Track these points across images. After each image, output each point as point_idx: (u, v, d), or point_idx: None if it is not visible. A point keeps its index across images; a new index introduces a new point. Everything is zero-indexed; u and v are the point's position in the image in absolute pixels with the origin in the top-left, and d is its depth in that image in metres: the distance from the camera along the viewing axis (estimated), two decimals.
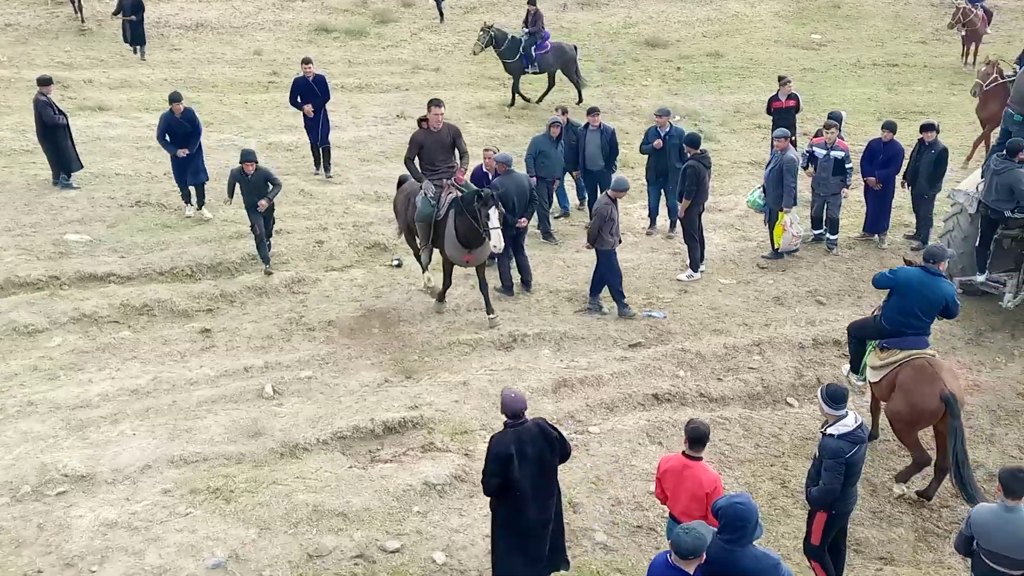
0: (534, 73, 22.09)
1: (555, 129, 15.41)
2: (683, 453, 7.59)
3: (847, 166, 14.84)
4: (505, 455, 7.57)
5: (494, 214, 12.05)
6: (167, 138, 15.22)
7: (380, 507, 9.36)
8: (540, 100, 22.38)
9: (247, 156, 13.77)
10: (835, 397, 7.94)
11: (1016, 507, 7.14)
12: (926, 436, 10.08)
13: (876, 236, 15.50)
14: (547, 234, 15.60)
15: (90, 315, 12.79)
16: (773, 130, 16.36)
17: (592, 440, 10.57)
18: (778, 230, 14.78)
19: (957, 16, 25.37)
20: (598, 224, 12.83)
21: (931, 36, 30.03)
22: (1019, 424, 11.29)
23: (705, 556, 6.08)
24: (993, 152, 13.36)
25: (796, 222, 14.80)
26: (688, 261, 14.52)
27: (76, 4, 26.13)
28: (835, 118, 15.56)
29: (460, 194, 12.47)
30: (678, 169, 14.95)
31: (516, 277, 13.80)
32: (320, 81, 17.42)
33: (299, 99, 17.27)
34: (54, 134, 16.04)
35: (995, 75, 18.17)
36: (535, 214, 14.70)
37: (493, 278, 13.52)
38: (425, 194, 12.63)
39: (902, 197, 15.52)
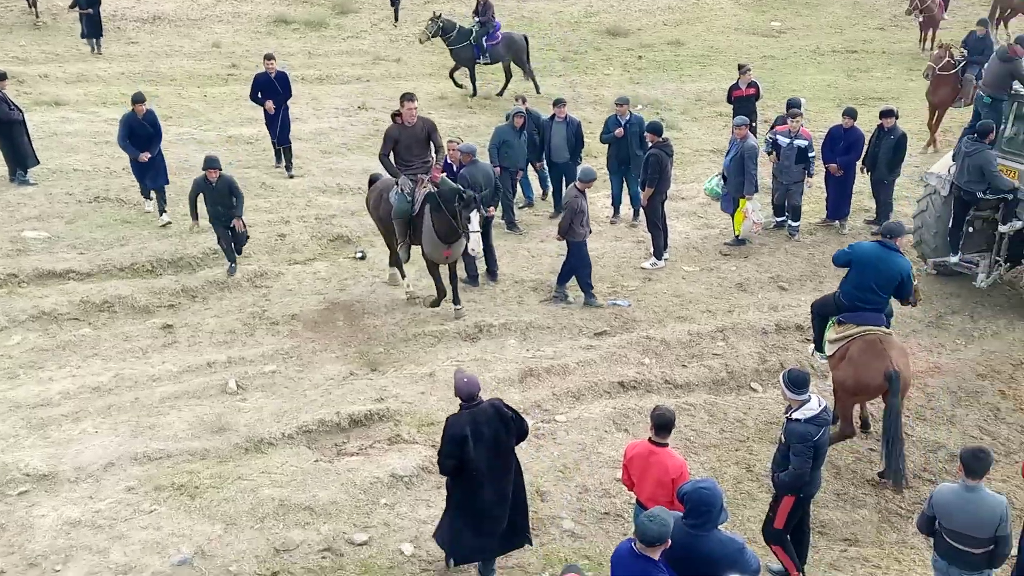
0: (485, 64, 21.95)
1: (519, 119, 15.38)
2: (649, 440, 7.62)
3: (810, 155, 14.95)
4: (460, 436, 7.72)
5: (475, 217, 11.93)
6: (128, 141, 14.81)
7: (347, 500, 9.33)
8: (501, 92, 22.26)
9: (211, 163, 13.29)
10: (797, 382, 7.98)
11: (977, 487, 7.23)
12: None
13: (837, 222, 15.64)
14: (512, 224, 15.59)
15: (49, 312, 12.64)
16: (734, 118, 16.44)
17: (559, 429, 10.59)
18: (739, 217, 14.88)
19: (914, 2, 25.58)
20: (569, 216, 12.83)
21: (889, 22, 30.27)
22: (979, 405, 11.44)
23: (670, 541, 6.10)
24: (964, 134, 13.53)
25: (757, 209, 14.89)
26: (652, 249, 14.57)
27: None
28: (794, 105, 15.68)
29: (437, 190, 12.26)
30: (639, 157, 15.01)
31: (481, 267, 13.79)
32: (282, 78, 17.15)
33: (260, 95, 17.03)
34: (10, 130, 15.82)
35: (947, 59, 18.37)
36: (499, 204, 14.71)
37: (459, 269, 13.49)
38: (401, 190, 12.48)
39: (862, 183, 15.66)
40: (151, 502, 9.22)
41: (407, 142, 12.47)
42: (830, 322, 10.53)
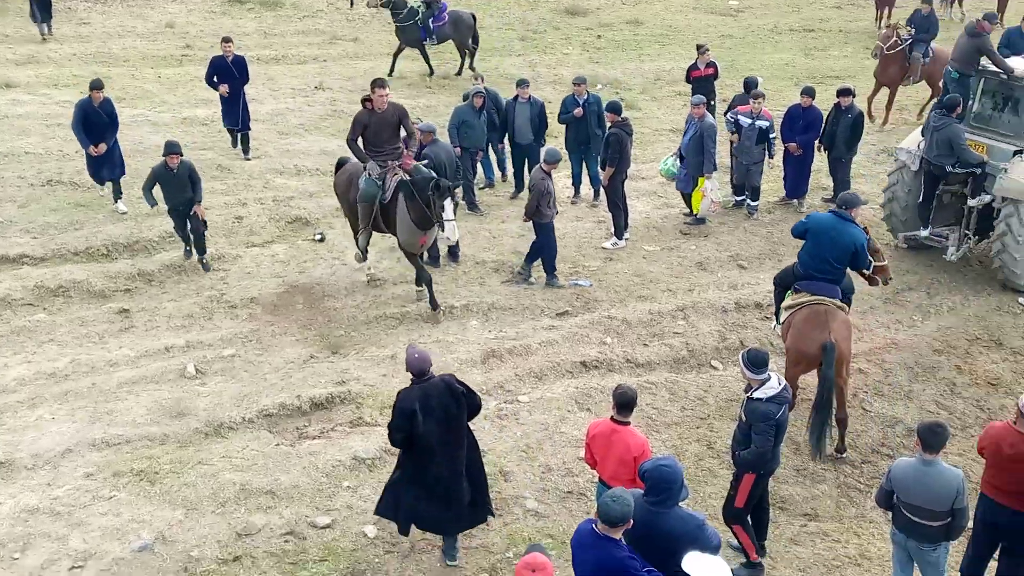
0: (433, 45, 21.71)
1: (478, 99, 15.28)
2: (611, 418, 7.65)
3: (771, 136, 15.03)
4: (409, 410, 7.81)
5: (449, 205, 11.68)
6: (82, 129, 14.34)
7: (309, 483, 9.29)
8: (460, 72, 22.12)
9: (172, 148, 12.87)
10: (756, 362, 8.00)
11: (934, 460, 7.32)
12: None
13: (795, 201, 15.74)
14: (472, 205, 15.52)
15: (3, 298, 12.42)
16: (692, 98, 16.45)
17: (522, 409, 10.61)
18: (697, 196, 14.92)
19: None
20: (536, 198, 12.81)
21: (846, 1, 30.46)
22: (936, 380, 11.60)
23: (632, 521, 6.11)
24: (933, 109, 13.70)
25: (715, 188, 14.95)
26: (612, 229, 14.59)
27: None
28: (752, 84, 15.75)
29: (410, 178, 12.04)
30: (599, 136, 15.01)
31: (443, 248, 13.73)
32: (239, 63, 16.75)
33: (216, 79, 16.68)
34: None
35: (895, 38, 18.51)
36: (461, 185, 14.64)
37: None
38: (369, 174, 12.29)
39: (819, 161, 15.77)
40: (110, 488, 9.12)
41: (377, 128, 12.22)
42: (789, 292, 10.66)
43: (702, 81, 17.62)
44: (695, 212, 15.06)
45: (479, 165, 16.04)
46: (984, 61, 13.85)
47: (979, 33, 14.95)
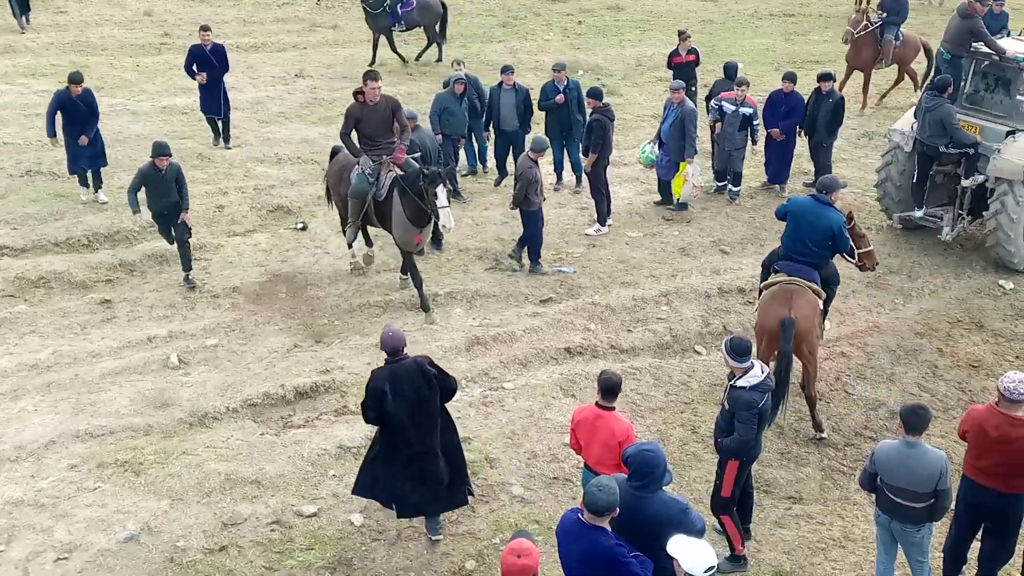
0: (401, 31, 21.50)
1: (459, 85, 15.24)
2: (596, 404, 7.66)
3: (754, 123, 15.06)
4: (379, 390, 7.95)
5: (442, 192, 11.44)
6: (58, 118, 14.12)
7: (295, 472, 9.28)
8: (439, 59, 22.00)
9: (161, 149, 12.29)
10: (739, 350, 7.98)
11: (917, 442, 7.37)
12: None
13: (777, 186, 15.79)
14: (455, 192, 15.45)
15: None
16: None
17: (507, 396, 10.61)
18: (679, 180, 14.92)
19: None
20: (524, 186, 12.79)
21: None
22: (918, 363, 11.68)
23: (619, 509, 6.11)
24: (925, 90, 13.80)
25: (697, 173, 14.96)
26: (595, 216, 14.59)
27: None
28: (731, 68, 15.76)
29: (402, 173, 11.89)
30: (580, 122, 15.00)
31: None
32: (218, 51, 16.52)
33: (195, 68, 16.46)
34: None
35: (864, 22, 18.54)
36: None
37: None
38: (362, 169, 12.10)
39: (800, 146, 15.81)
40: (95, 479, 9.09)
41: (370, 121, 12.06)
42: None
43: (683, 67, 17.61)
44: (677, 197, 15.06)
45: (462, 152, 16.00)
46: (976, 43, 13.95)
47: (971, 15, 15.02)
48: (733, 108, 14.98)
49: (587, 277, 13.21)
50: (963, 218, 13.78)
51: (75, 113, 14.15)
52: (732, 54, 21.37)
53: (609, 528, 6.01)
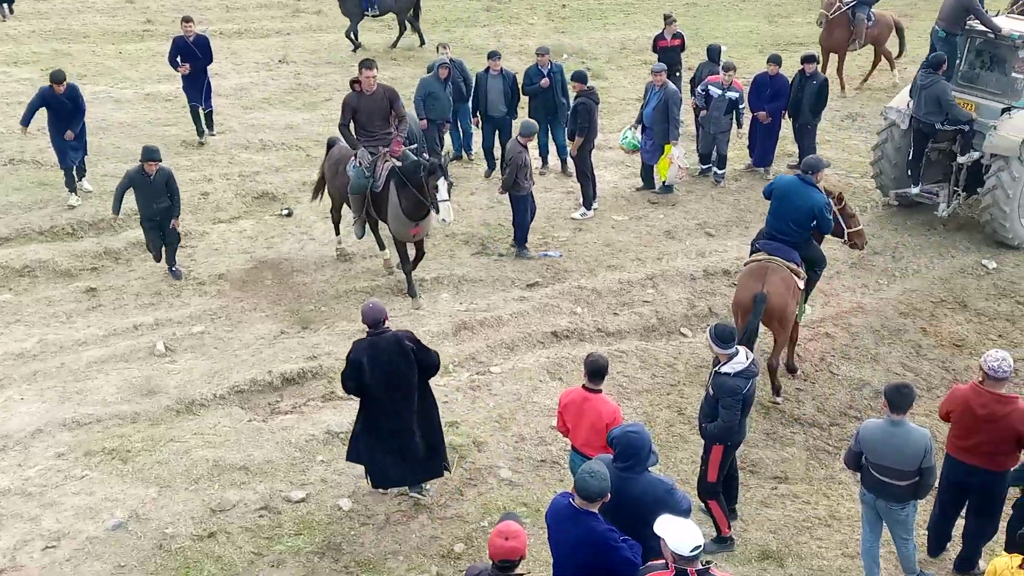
0: (374, 16, 21.24)
1: (443, 70, 15.19)
2: (583, 387, 7.70)
3: (740, 107, 15.09)
4: (357, 360, 8.16)
5: (443, 185, 11.21)
6: (44, 113, 13.95)
7: (283, 458, 9.29)
8: (422, 43, 21.88)
9: (151, 154, 11.98)
10: (723, 336, 8.01)
11: (901, 421, 7.44)
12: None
13: (762, 169, 15.82)
14: None
15: None
16: None
17: (494, 380, 10.65)
18: (664, 163, 14.92)
19: None
20: (514, 171, 12.78)
21: None
22: (901, 343, 11.75)
23: (609, 495, 6.13)
24: (920, 68, 13.86)
25: (682, 155, 14.98)
26: (581, 199, 14.60)
27: None
28: (715, 52, 15.74)
29: (400, 165, 11.68)
30: (564, 106, 14.98)
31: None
32: (201, 42, 16.26)
33: (179, 60, 16.19)
34: None
35: (838, 4, 18.52)
36: None
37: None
38: (359, 163, 11.91)
39: (785, 128, 15.84)
40: (82, 467, 9.08)
41: (367, 111, 11.84)
42: None
43: (668, 52, 17.52)
44: (663, 180, 15.06)
45: (447, 136, 15.97)
46: (971, 21, 13.99)
47: None
48: (719, 92, 14.99)
49: (573, 261, 13.23)
50: (959, 195, 13.89)
51: (60, 110, 13.96)
52: (716, 36, 21.38)
53: (599, 513, 6.05)
